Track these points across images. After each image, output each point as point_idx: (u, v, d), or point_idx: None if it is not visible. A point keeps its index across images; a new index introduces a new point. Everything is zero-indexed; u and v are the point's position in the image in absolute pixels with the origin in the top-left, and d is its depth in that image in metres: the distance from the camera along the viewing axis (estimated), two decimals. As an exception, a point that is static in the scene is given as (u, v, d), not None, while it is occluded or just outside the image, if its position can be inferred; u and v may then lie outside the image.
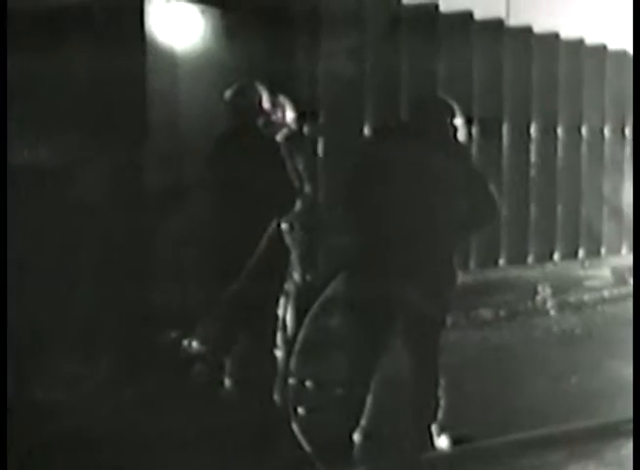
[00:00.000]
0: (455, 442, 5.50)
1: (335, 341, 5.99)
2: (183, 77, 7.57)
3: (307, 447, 5.26)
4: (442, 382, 5.46)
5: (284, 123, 6.56)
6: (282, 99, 6.59)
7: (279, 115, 6.52)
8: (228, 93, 6.43)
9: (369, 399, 5.42)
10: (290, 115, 6.64)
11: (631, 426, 5.86)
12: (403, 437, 5.48)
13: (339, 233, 7.20)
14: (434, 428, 5.47)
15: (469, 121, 9.16)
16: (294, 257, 6.39)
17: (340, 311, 5.66)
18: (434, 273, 5.33)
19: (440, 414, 5.47)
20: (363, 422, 5.42)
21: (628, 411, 6.22)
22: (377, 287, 5.27)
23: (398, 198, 5.30)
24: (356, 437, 5.42)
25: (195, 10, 7.70)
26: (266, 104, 6.38)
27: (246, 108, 6.33)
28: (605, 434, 5.85)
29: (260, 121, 6.34)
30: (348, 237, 5.54)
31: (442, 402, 5.46)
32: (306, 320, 5.49)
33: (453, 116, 5.45)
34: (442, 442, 5.49)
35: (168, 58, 7.50)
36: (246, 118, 6.33)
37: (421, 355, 5.48)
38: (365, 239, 5.40)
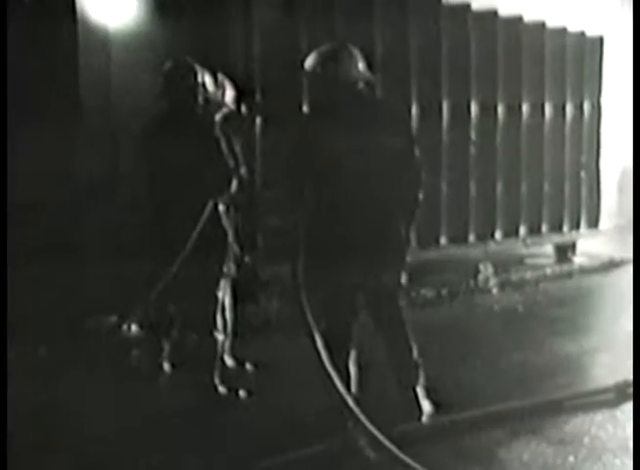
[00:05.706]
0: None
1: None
2: (116, 57, 7.48)
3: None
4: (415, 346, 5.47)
5: (223, 103, 6.46)
6: (221, 78, 6.47)
7: (219, 94, 6.40)
8: (163, 71, 6.26)
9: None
10: (230, 94, 6.55)
11: (574, 402, 5.93)
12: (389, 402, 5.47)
13: (279, 214, 7.18)
14: (418, 390, 5.49)
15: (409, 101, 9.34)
16: (231, 238, 6.29)
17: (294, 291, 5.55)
18: (384, 243, 5.32)
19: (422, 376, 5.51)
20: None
21: (570, 388, 6.28)
22: (329, 265, 5.21)
23: (343, 171, 5.20)
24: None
25: (127, -12, 7.62)
26: (208, 83, 6.25)
27: (182, 86, 6.16)
28: (547, 411, 5.80)
29: (200, 100, 6.19)
30: (294, 217, 5.39)
31: (421, 362, 5.49)
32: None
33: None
34: (426, 405, 5.50)
35: (101, 37, 7.41)
36: (181, 97, 6.17)
37: (387, 323, 5.48)
38: (311, 217, 5.28)
